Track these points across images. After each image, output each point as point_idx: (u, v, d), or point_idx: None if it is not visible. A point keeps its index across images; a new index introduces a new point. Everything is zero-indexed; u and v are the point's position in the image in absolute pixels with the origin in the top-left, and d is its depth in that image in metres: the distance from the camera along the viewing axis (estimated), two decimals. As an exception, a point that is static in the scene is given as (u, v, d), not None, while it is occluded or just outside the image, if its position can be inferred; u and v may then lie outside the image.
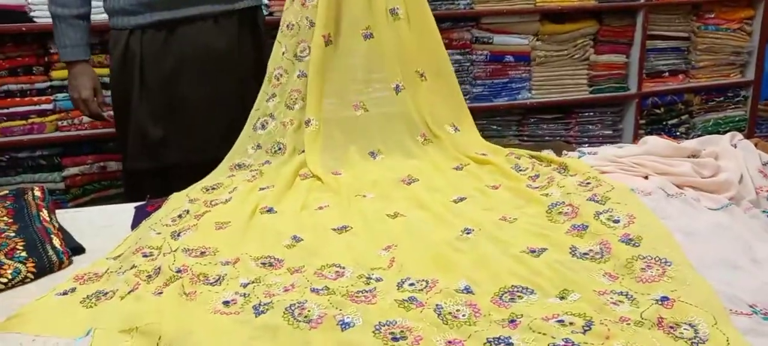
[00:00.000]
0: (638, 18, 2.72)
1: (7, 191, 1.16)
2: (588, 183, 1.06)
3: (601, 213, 0.95)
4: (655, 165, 1.13)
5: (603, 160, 1.15)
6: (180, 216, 1.13)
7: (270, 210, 1.15)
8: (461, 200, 1.11)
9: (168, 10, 1.43)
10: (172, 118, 1.48)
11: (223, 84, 1.50)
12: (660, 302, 0.74)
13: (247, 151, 1.37)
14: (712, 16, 2.80)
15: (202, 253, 0.97)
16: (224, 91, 1.51)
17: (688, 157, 1.17)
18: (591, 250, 0.87)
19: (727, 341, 0.66)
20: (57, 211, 1.21)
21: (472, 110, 2.62)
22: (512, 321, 0.72)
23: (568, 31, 2.66)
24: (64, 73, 2.11)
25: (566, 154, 1.28)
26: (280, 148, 1.36)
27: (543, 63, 2.68)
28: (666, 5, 2.75)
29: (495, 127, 2.75)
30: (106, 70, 2.15)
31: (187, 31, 1.46)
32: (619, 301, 0.75)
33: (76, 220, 1.19)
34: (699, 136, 2.85)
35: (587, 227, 0.92)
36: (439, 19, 2.51)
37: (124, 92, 1.51)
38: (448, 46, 2.56)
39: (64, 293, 0.88)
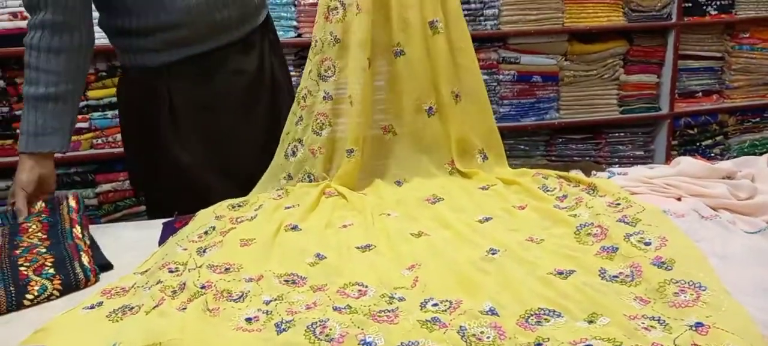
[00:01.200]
0: (669, 38, 2.67)
1: (43, 203, 1.19)
2: (618, 204, 1.03)
3: (631, 235, 0.92)
4: (689, 186, 1.10)
5: (634, 182, 1.12)
6: (206, 233, 1.14)
7: (294, 228, 1.15)
8: (487, 220, 1.09)
9: (199, 44, 1.33)
10: (208, 148, 1.40)
11: (256, 103, 1.45)
12: (694, 329, 0.71)
13: (280, 181, 1.33)
14: (747, 35, 2.74)
15: (227, 269, 0.98)
16: (257, 110, 1.45)
17: (723, 178, 1.13)
18: (621, 273, 0.84)
19: (766, 370, 0.63)
20: (89, 226, 1.23)
21: (500, 130, 2.63)
22: (538, 345, 0.70)
23: (597, 51, 2.63)
24: (99, 92, 2.19)
25: (595, 175, 1.25)
26: (310, 179, 1.32)
27: (571, 83, 2.65)
28: (698, 25, 2.70)
29: (522, 147, 2.72)
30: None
31: (217, 60, 1.37)
32: (651, 326, 0.72)
33: (105, 235, 1.22)
34: (734, 157, 2.79)
35: (617, 249, 0.89)
36: (466, 39, 2.53)
37: (149, 128, 1.39)
38: (474, 66, 2.57)
39: (91, 307, 0.89)
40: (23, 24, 2.06)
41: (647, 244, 0.90)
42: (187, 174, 1.40)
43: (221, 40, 1.35)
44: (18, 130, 2.14)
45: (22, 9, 2.05)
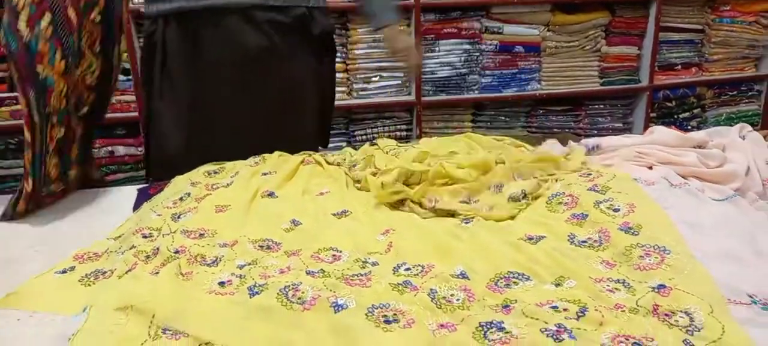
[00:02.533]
0: (651, 9, 2.68)
1: None
2: (589, 174, 1.05)
3: (601, 202, 0.94)
4: (660, 154, 1.12)
5: (607, 153, 1.14)
6: (181, 199, 1.13)
7: (271, 194, 1.15)
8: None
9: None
10: (196, 125, 1.37)
11: (252, 92, 1.37)
12: (656, 290, 0.73)
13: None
14: (728, 8, 2.76)
15: (201, 234, 0.98)
16: (254, 101, 1.37)
17: (695, 147, 1.15)
18: (589, 238, 0.86)
19: (723, 329, 0.65)
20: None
21: (481, 101, 2.64)
22: (506, 306, 0.72)
23: (579, 22, 2.63)
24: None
25: (571, 145, 1.27)
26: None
27: (553, 54, 2.66)
28: (680, -4, 2.71)
29: (503, 118, 2.73)
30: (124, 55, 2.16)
31: (213, 25, 1.31)
32: (615, 288, 0.74)
33: (80, 201, 1.21)
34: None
35: (587, 215, 0.91)
36: (449, 8, 2.51)
37: (148, 90, 1.40)
38: (456, 36, 2.56)
39: (63, 272, 0.89)
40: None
41: (616, 210, 0.91)
42: (176, 156, 1.37)
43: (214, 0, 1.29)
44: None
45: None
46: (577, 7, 2.63)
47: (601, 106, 2.81)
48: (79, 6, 1.16)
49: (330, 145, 1.66)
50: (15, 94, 2.13)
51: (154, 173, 1.43)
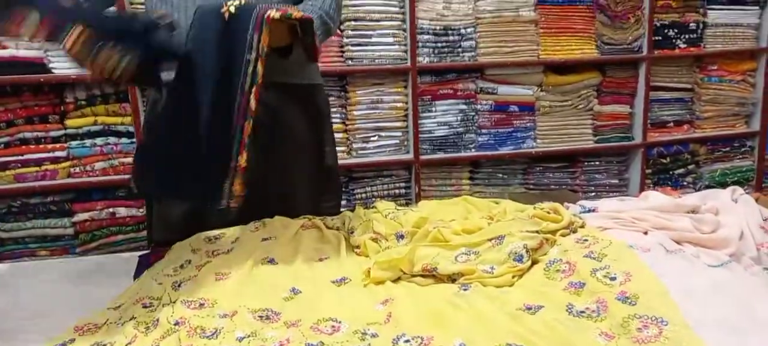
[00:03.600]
0: (641, 70, 2.76)
1: None
2: (585, 240, 1.06)
3: (598, 270, 0.95)
4: (655, 220, 1.13)
5: (603, 219, 1.15)
6: (182, 266, 1.14)
7: (271, 261, 1.15)
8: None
9: None
10: None
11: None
12: (655, 364, 0.73)
13: None
14: (715, 67, 2.84)
15: (201, 305, 0.98)
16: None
17: (688, 212, 1.17)
18: (587, 308, 0.87)
19: (723, 406, 0.65)
20: (62, 261, 1.22)
21: (478, 159, 2.68)
22: (506, 381, 0.72)
23: (571, 83, 2.70)
24: (78, 121, 2.18)
25: (567, 207, 1.28)
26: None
27: (548, 113, 2.71)
28: (668, 58, 2.79)
29: (501, 175, 2.76)
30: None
31: None
32: (615, 362, 0.74)
33: (80, 268, 1.21)
34: (707, 186, 2.86)
35: (584, 284, 0.92)
36: (444, 71, 2.58)
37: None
38: (452, 96, 2.62)
39: (62, 345, 0.89)
40: (3, 53, 2.06)
41: (613, 279, 0.92)
42: (172, 206, 1.38)
43: None
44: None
45: (1, 39, 2.05)
46: (569, 68, 2.70)
47: (597, 162, 2.84)
48: None
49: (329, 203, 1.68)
50: (19, 157, 2.15)
51: (156, 236, 1.44)
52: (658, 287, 0.89)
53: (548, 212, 1.18)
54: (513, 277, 0.99)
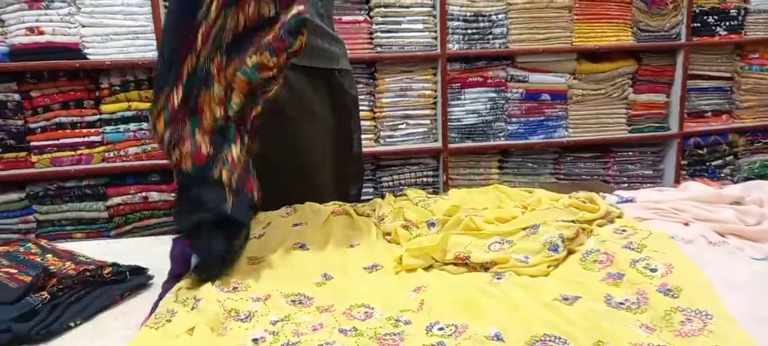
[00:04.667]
0: (678, 58, 2.68)
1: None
2: (624, 230, 1.03)
3: (637, 261, 0.92)
4: (697, 211, 1.10)
5: (642, 209, 1.12)
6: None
7: (302, 246, 1.16)
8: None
9: None
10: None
11: (278, 141, 1.37)
12: (700, 359, 0.71)
13: None
14: (757, 56, 2.74)
15: (235, 288, 0.99)
16: (280, 149, 1.38)
17: (731, 204, 1.13)
18: (627, 299, 0.84)
19: (773, 403, 0.62)
20: (100, 242, 1.25)
21: (507, 147, 2.64)
22: (543, 372, 0.70)
23: (605, 70, 2.64)
24: (113, 106, 2.22)
25: (603, 197, 1.25)
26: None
27: (580, 101, 2.66)
28: (707, 45, 2.70)
29: (530, 165, 2.72)
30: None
31: None
32: (657, 355, 0.72)
33: (116, 253, 1.23)
34: (744, 178, 2.77)
35: (623, 275, 0.89)
36: (474, 58, 2.54)
37: None
38: (482, 84, 2.59)
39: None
40: (40, 39, 2.11)
41: (653, 270, 0.90)
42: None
43: None
44: (32, 143, 2.19)
45: (39, 24, 2.10)
46: (603, 55, 2.64)
47: (631, 153, 2.78)
48: None
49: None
50: (55, 142, 2.21)
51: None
52: (702, 280, 0.86)
53: (584, 202, 1.16)
54: (548, 267, 0.97)
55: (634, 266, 0.92)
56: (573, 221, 1.06)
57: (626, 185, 2.77)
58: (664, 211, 1.10)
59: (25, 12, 2.08)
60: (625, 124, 2.72)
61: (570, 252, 1.01)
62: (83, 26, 2.14)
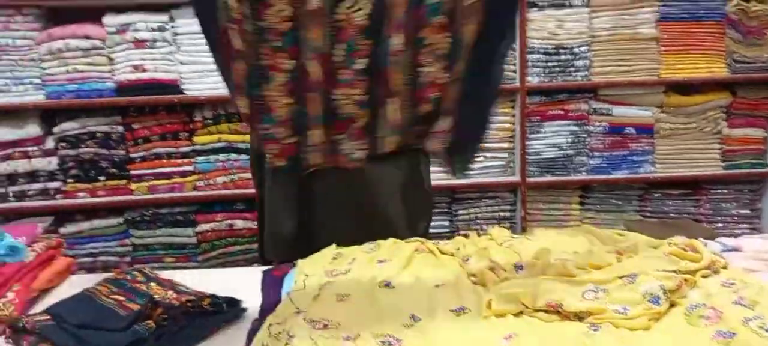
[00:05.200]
0: (778, 90, 2.50)
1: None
2: (732, 283, 0.97)
3: (750, 320, 0.86)
4: (814, 264, 1.02)
5: (749, 260, 1.05)
6: (303, 284, 1.18)
7: (388, 284, 1.17)
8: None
9: None
10: (305, 207, 1.39)
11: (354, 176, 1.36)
12: None
13: None
14: None
15: (325, 326, 1.01)
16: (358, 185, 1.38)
17: None
18: (741, 362, 0.79)
19: None
20: (186, 274, 1.30)
21: (589, 183, 2.56)
22: None
23: (696, 103, 2.51)
24: (205, 138, 2.36)
25: (705, 244, 1.18)
26: None
27: (668, 135, 2.54)
28: (811, 77, 2.51)
29: (614, 201, 2.62)
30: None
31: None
32: None
33: (207, 283, 1.29)
34: None
35: (735, 334, 0.84)
36: (555, 91, 2.50)
37: (259, 173, 1.46)
38: (563, 117, 2.53)
39: None
40: (143, 76, 2.28)
41: (769, 331, 0.83)
42: (282, 223, 1.40)
43: None
44: (132, 172, 2.35)
45: (143, 62, 2.28)
46: (694, 88, 2.51)
47: (725, 190, 2.61)
48: None
49: (432, 223, 1.66)
50: (153, 171, 2.36)
51: (267, 253, 1.49)
52: (826, 344, 0.79)
53: (685, 249, 1.10)
54: (649, 320, 0.92)
55: (746, 324, 0.86)
56: (674, 271, 1.01)
57: (721, 224, 2.59)
58: (776, 263, 1.03)
59: (131, 51, 2.27)
60: (718, 160, 2.56)
61: (672, 305, 0.96)
62: (182, 64, 2.31)
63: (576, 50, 2.45)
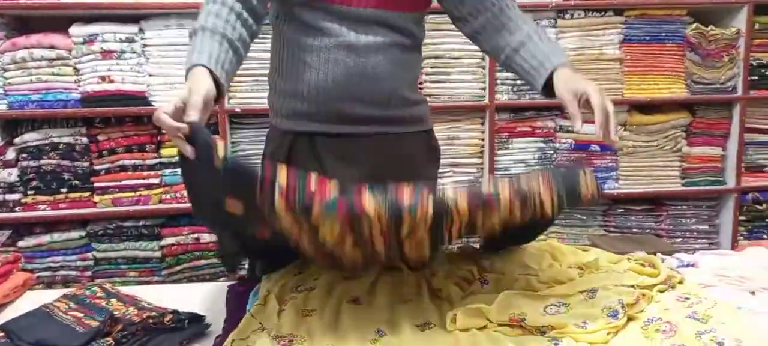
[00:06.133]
0: (735, 111, 2.61)
1: None
2: (687, 298, 1.00)
3: (703, 333, 0.89)
4: (765, 280, 1.06)
5: (705, 275, 1.09)
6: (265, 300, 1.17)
7: (355, 301, 1.17)
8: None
9: (324, 124, 1.30)
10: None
11: None
12: None
13: None
14: (821, 109, 2.63)
15: (290, 341, 1.00)
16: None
17: (802, 272, 1.08)
18: (694, 375, 0.82)
19: None
20: (150, 289, 1.27)
21: (555, 199, 2.60)
22: None
23: (658, 122, 2.59)
24: (172, 150, 2.32)
25: (663, 259, 1.22)
26: None
27: (631, 153, 2.61)
28: (765, 99, 2.62)
29: (579, 216, 2.67)
30: None
31: (336, 146, 1.31)
32: None
33: (170, 298, 1.27)
34: (810, 238, 2.63)
35: (688, 348, 0.86)
36: (523, 108, 2.55)
37: None
38: (530, 134, 2.58)
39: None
40: (110, 87, 2.24)
41: (720, 344, 0.86)
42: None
43: (358, 128, 1.29)
44: (96, 184, 2.30)
45: (110, 73, 2.24)
46: (655, 107, 2.60)
47: (685, 206, 2.69)
48: None
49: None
50: (117, 183, 2.31)
51: (260, 272, 1.37)
52: (775, 358, 0.82)
53: (643, 265, 1.13)
54: (607, 334, 0.94)
55: (699, 338, 0.89)
56: (633, 286, 1.04)
57: (681, 239, 2.67)
58: (730, 279, 1.07)
59: (98, 62, 2.23)
60: (678, 177, 2.64)
61: (630, 319, 0.99)
62: (150, 75, 2.27)
63: (543, 69, 2.51)
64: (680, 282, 1.09)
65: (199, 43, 1.09)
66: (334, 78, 1.25)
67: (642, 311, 1.00)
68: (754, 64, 2.58)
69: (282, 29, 1.31)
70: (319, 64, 1.25)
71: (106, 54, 2.23)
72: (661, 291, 1.06)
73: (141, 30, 2.27)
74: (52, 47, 2.22)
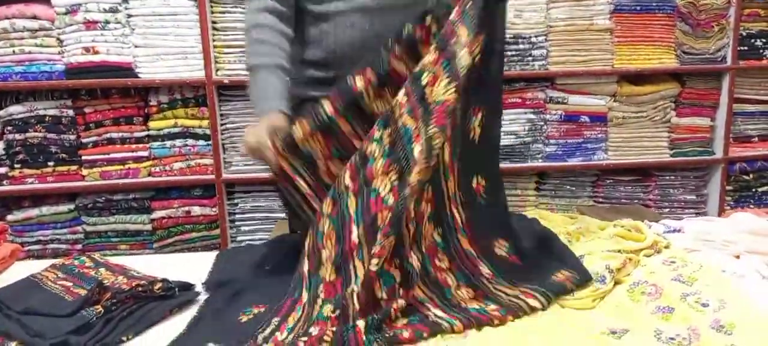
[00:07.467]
0: (724, 81, 2.61)
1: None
2: (672, 262, 1.01)
3: (688, 295, 0.90)
4: (749, 244, 1.07)
5: (691, 240, 1.10)
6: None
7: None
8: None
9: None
10: None
11: None
12: (757, 401, 0.69)
13: None
14: (808, 80, 2.64)
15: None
16: None
17: (785, 237, 1.10)
18: (678, 335, 0.83)
19: None
20: (141, 259, 1.27)
21: (545, 170, 2.62)
22: (593, 407, 0.70)
23: (647, 93, 2.59)
24: (160, 123, 2.30)
25: (649, 226, 1.23)
26: None
27: (621, 124, 2.62)
28: (754, 69, 2.63)
29: (568, 187, 2.69)
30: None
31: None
32: (711, 395, 0.70)
33: (160, 267, 1.27)
34: (794, 206, 2.66)
35: (673, 309, 0.88)
36: (513, 79, 2.54)
37: None
38: (520, 105, 2.57)
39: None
40: (95, 58, 2.20)
41: (705, 305, 0.88)
42: None
43: None
44: (83, 157, 2.28)
45: (95, 44, 2.20)
46: (645, 78, 2.60)
47: (673, 177, 2.71)
48: None
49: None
50: (105, 156, 2.29)
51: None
52: (756, 317, 0.84)
53: (630, 231, 1.14)
54: (593, 300, 0.96)
55: (684, 299, 0.90)
56: (619, 250, 1.05)
57: (668, 209, 2.70)
58: (714, 243, 1.08)
59: (82, 33, 2.18)
60: (666, 148, 2.66)
61: (616, 282, 1.00)
62: (136, 46, 2.23)
63: (533, 40, 2.49)
64: (666, 247, 1.10)
65: (263, 85, 1.20)
66: (350, 42, 1.25)
67: (628, 275, 1.01)
68: (744, 34, 2.58)
69: None
70: (336, 29, 1.25)
71: (89, 24, 2.18)
72: (647, 256, 1.07)
73: (125, 0, 2.23)
74: (35, 17, 2.17)
